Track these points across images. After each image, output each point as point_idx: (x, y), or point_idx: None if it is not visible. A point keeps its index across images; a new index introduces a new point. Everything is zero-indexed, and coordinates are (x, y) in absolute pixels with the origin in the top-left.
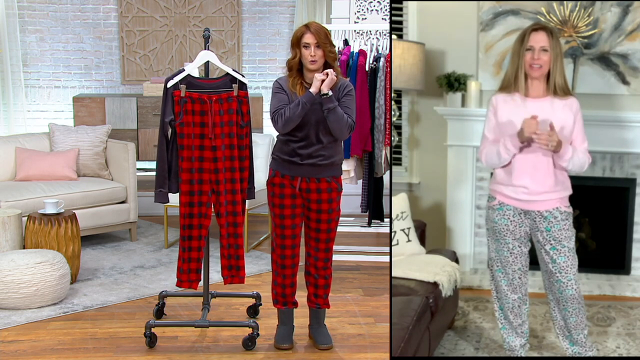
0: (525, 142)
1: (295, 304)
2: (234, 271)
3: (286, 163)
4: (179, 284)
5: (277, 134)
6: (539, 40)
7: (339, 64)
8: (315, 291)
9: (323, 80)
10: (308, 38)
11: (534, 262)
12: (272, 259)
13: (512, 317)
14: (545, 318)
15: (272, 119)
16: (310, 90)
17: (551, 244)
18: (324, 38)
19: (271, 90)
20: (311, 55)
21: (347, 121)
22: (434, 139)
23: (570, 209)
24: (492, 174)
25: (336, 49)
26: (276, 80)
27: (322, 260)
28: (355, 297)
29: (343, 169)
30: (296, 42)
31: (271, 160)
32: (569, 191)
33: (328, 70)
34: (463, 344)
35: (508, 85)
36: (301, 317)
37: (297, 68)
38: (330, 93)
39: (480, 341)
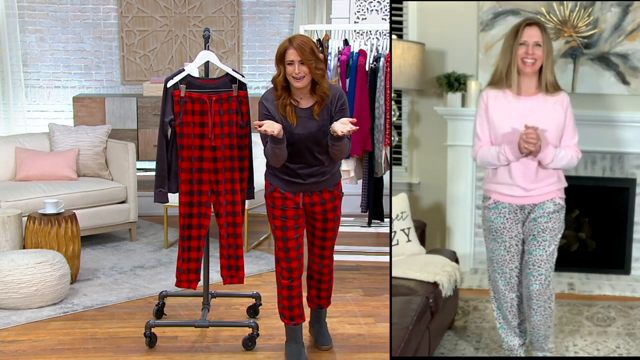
0: (526, 154)
1: (302, 317)
2: (233, 271)
3: (287, 182)
4: (178, 284)
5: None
6: (533, 35)
7: (338, 63)
8: (318, 293)
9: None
10: (291, 55)
11: None
12: (276, 272)
13: (511, 316)
14: None
15: (264, 155)
16: (272, 136)
17: (533, 235)
18: (308, 54)
19: (258, 115)
20: (295, 73)
21: (349, 148)
22: (434, 139)
23: (564, 203)
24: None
25: (335, 49)
26: (261, 101)
27: (327, 267)
28: (355, 297)
29: (343, 169)
30: (279, 59)
31: (267, 173)
32: (564, 183)
33: (349, 129)
34: (463, 344)
35: (499, 81)
36: None
37: (283, 86)
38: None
39: (480, 341)
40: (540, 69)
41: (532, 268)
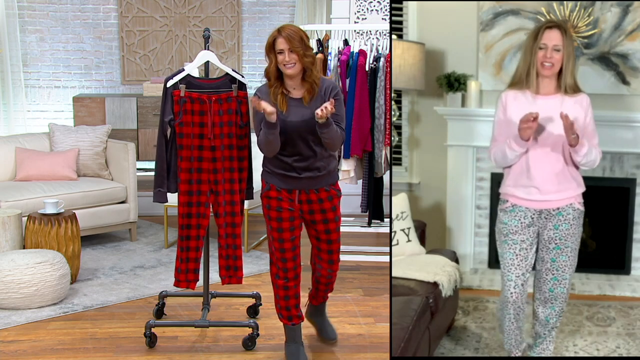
0: (527, 139)
1: (301, 318)
2: (231, 271)
3: (282, 177)
4: (176, 284)
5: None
6: (553, 38)
7: (338, 63)
8: (324, 294)
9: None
10: (280, 44)
11: None
12: (272, 272)
13: (514, 318)
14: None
15: (257, 145)
16: (267, 119)
17: (556, 243)
18: (297, 43)
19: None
20: (286, 61)
21: (341, 136)
22: (434, 139)
23: (583, 208)
24: (492, 174)
25: (335, 49)
26: (255, 93)
27: (335, 271)
28: (355, 297)
29: (343, 169)
30: (269, 49)
31: (263, 172)
32: (582, 188)
33: (325, 105)
34: (463, 343)
35: (519, 82)
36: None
37: (276, 76)
38: (324, 120)
39: (480, 341)
40: (560, 71)
41: (556, 273)
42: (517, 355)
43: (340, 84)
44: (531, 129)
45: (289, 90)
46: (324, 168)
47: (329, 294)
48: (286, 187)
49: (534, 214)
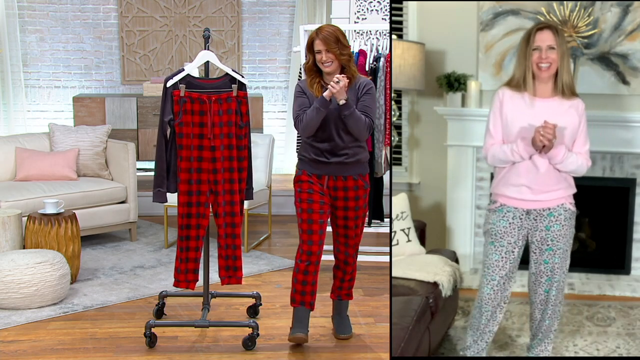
0: (539, 150)
1: (312, 306)
2: (231, 271)
3: (313, 162)
4: (176, 284)
5: (301, 136)
6: (545, 38)
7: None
8: (341, 284)
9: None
10: (318, 45)
11: (524, 262)
12: (295, 259)
13: (485, 319)
14: (520, 319)
15: (295, 124)
16: (324, 95)
17: (548, 244)
18: (333, 43)
19: (294, 94)
20: (323, 60)
21: (366, 122)
22: (434, 139)
23: (574, 208)
24: (491, 174)
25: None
26: (297, 84)
27: (352, 256)
28: (355, 297)
29: None
30: (309, 48)
31: (298, 161)
32: (573, 189)
33: (338, 77)
34: (463, 344)
35: (516, 86)
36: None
37: (314, 70)
38: (344, 101)
39: None
40: (557, 72)
41: (549, 274)
42: (468, 355)
43: None
44: (548, 140)
45: (327, 83)
46: (353, 155)
47: (351, 295)
48: (316, 173)
49: (522, 215)
